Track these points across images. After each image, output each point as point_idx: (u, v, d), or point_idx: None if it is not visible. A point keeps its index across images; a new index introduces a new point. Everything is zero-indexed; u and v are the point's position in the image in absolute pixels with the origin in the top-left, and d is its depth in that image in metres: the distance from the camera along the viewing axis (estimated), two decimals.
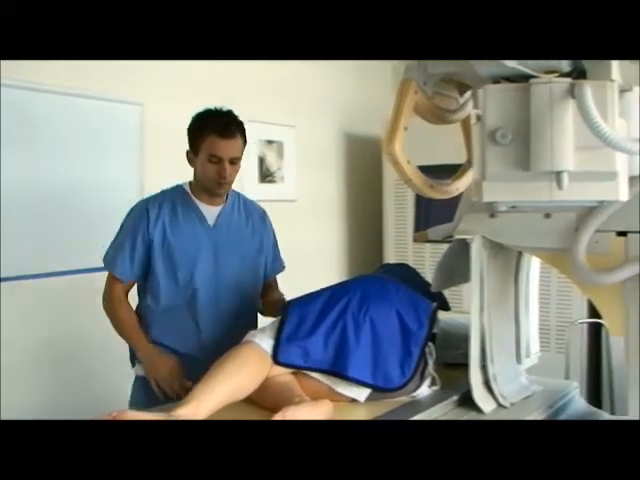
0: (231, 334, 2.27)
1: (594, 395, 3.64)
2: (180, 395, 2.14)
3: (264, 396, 1.96)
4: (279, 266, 2.67)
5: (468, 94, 2.15)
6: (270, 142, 3.99)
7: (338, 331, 2.02)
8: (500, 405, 2.05)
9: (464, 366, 2.05)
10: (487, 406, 2.03)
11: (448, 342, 2.28)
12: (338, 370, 2.00)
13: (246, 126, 3.77)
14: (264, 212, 2.60)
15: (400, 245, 4.30)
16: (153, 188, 3.14)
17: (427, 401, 2.06)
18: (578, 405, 2.27)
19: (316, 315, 2.04)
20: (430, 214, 3.95)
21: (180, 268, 2.35)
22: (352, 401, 2.03)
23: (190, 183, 2.43)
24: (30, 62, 2.49)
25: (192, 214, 2.38)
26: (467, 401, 2.05)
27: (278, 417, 1.75)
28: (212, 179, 2.32)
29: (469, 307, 2.03)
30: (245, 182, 3.83)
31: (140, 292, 2.44)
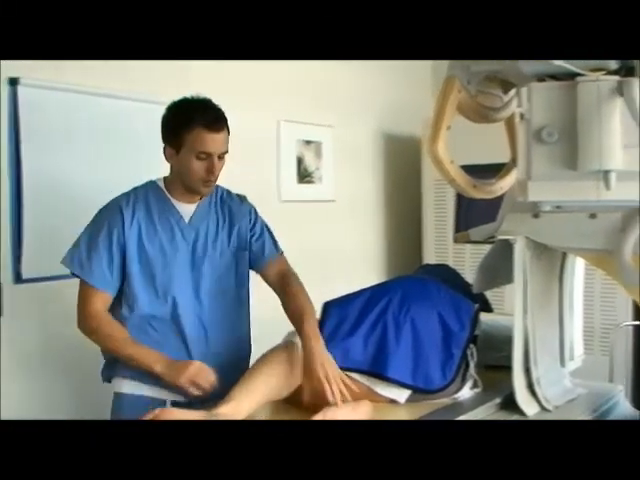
0: (220, 338, 2.16)
1: (639, 398, 3.57)
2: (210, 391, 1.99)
3: (304, 395, 1.96)
4: (272, 252, 2.27)
5: (512, 92, 2.12)
6: (308, 142, 3.98)
7: (378, 331, 2.01)
8: (543, 408, 2.02)
9: (506, 368, 2.03)
10: (530, 409, 2.00)
11: (490, 344, 2.26)
12: (378, 370, 1.99)
13: (284, 126, 3.83)
14: (243, 200, 2.29)
15: (440, 246, 4.26)
16: None
17: (469, 403, 2.04)
18: (623, 408, 2.23)
19: (356, 315, 2.03)
20: (470, 214, 3.90)
21: (158, 274, 2.09)
22: (391, 402, 2.01)
23: (165, 179, 2.17)
24: (73, 63, 2.54)
25: (168, 214, 2.13)
26: (510, 404, 2.02)
27: (319, 417, 1.74)
28: (200, 177, 2.06)
29: (511, 308, 2.00)
30: (283, 182, 3.83)
31: (116, 299, 2.13)
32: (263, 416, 1.92)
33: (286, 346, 1.99)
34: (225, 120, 2.08)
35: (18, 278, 2.70)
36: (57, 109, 2.77)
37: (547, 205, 1.88)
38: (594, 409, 2.10)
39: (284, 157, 3.84)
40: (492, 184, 2.15)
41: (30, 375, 2.76)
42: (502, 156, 2.25)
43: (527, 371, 2.02)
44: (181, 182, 2.12)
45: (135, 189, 2.16)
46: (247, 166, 3.53)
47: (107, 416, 2.19)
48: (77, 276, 2.09)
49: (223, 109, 2.10)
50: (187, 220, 2.15)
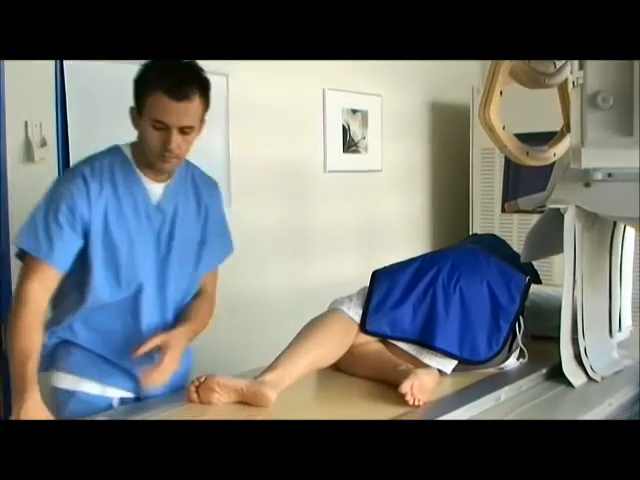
0: None
1: None
2: None
3: (357, 363, 1.98)
4: (224, 253, 2.05)
5: None
6: (354, 111, 3.95)
7: (427, 301, 2.00)
8: (590, 379, 2.00)
9: (553, 339, 2.01)
10: (577, 380, 1.98)
11: (537, 314, 2.24)
12: (426, 341, 1.99)
13: (330, 95, 3.81)
14: (214, 187, 2.01)
15: (487, 215, 4.23)
16: (239, 157, 3.17)
17: (515, 373, 2.03)
18: None
19: (405, 285, 2.03)
20: (518, 184, 3.86)
21: (122, 261, 1.81)
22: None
23: (132, 146, 1.85)
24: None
25: (135, 191, 1.83)
26: (556, 375, 2.01)
27: (409, 383, 1.75)
28: (154, 150, 1.75)
29: (560, 279, 1.98)
30: (328, 152, 3.82)
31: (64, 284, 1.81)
32: (309, 384, 1.94)
33: (332, 313, 2.00)
34: (199, 88, 1.75)
35: None
36: (102, 80, 2.79)
37: (599, 173, 1.84)
38: None
39: (330, 126, 3.82)
40: (545, 151, 2.11)
41: None
42: (553, 124, 2.21)
43: (575, 342, 2.01)
44: (143, 152, 1.82)
45: (98, 156, 1.84)
46: (292, 136, 3.53)
47: None
48: (25, 254, 1.77)
49: (207, 77, 1.80)
50: (154, 201, 1.86)
